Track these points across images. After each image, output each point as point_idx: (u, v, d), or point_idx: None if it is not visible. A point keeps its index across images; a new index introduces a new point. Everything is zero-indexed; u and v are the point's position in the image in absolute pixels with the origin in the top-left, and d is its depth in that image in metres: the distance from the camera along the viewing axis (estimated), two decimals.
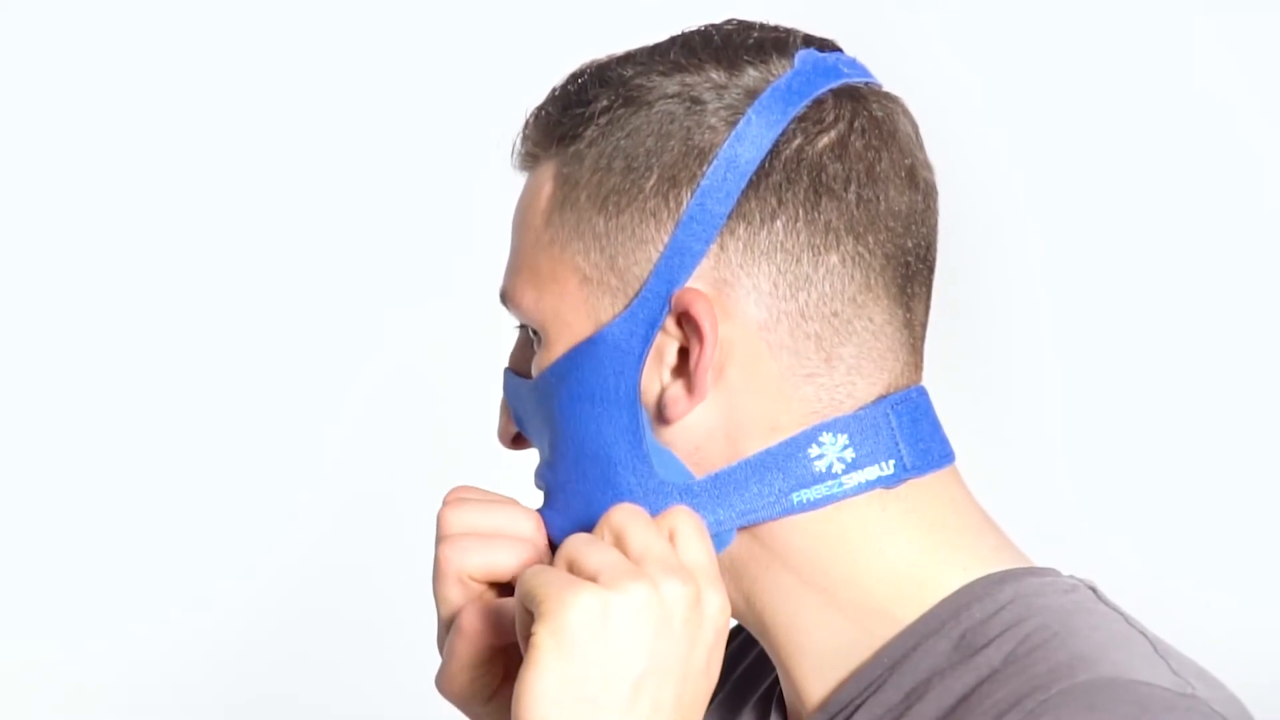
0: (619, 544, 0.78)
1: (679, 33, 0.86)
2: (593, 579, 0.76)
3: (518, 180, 0.89)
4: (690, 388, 0.81)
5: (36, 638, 2.12)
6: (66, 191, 2.15)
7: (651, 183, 0.82)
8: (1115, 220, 2.18)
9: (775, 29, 0.86)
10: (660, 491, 0.82)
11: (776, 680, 0.92)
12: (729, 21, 0.86)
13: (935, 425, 0.85)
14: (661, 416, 0.82)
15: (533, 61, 2.11)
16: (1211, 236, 2.19)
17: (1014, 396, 2.20)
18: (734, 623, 0.98)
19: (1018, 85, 2.20)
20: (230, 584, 2.12)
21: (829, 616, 0.83)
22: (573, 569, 0.77)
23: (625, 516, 0.79)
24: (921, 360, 0.86)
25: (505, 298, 0.87)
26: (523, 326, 0.89)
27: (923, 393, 0.85)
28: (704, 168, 0.81)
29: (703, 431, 0.82)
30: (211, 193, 2.16)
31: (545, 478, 0.87)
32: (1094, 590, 0.83)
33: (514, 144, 0.88)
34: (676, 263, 0.81)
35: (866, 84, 0.85)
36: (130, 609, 2.12)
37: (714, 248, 0.81)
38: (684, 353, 0.82)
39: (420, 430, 2.11)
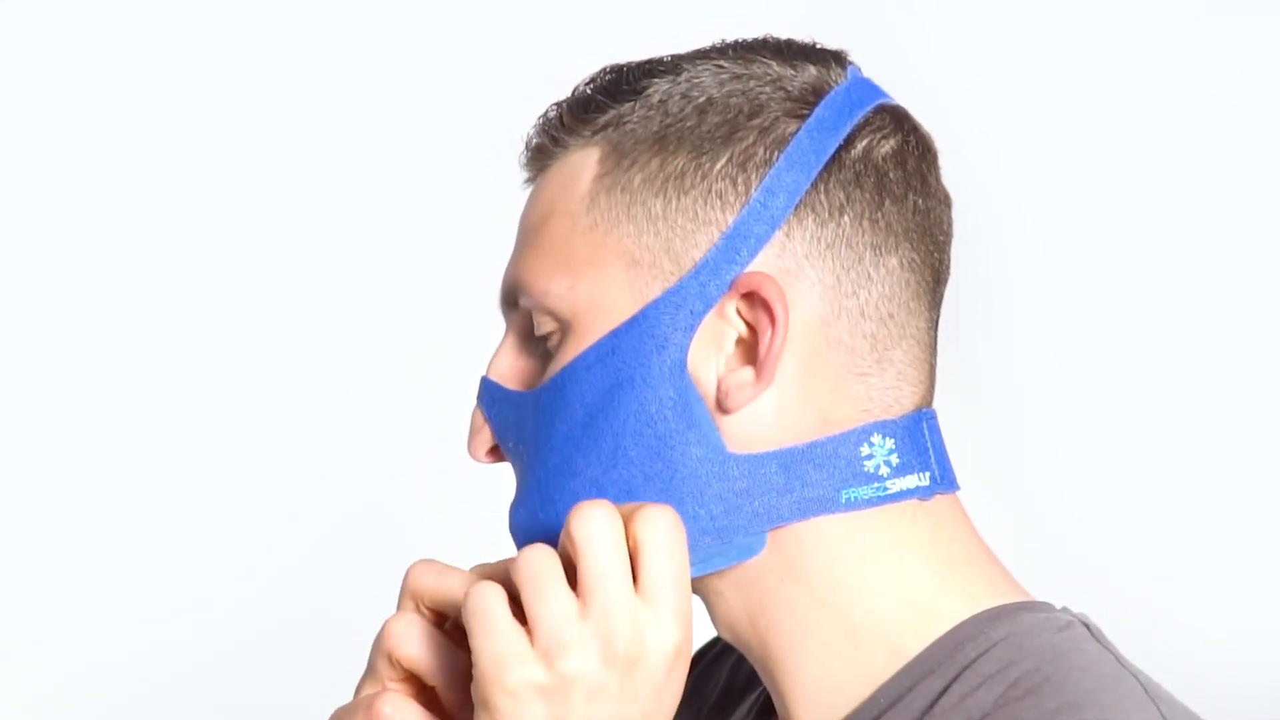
0: (576, 563, 0.76)
1: (720, 40, 0.87)
2: (530, 638, 0.75)
3: (517, 183, 0.88)
4: (759, 374, 0.80)
5: (29, 639, 2.12)
6: (66, 192, 2.15)
7: (720, 165, 0.81)
8: (1116, 228, 2.18)
9: (818, 45, 0.87)
10: (726, 462, 0.81)
11: (757, 700, 0.91)
12: (770, 34, 0.87)
13: (946, 451, 0.85)
14: (722, 406, 0.81)
15: (533, 65, 2.12)
16: (1212, 250, 2.19)
17: (1011, 396, 2.20)
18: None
19: (1019, 88, 2.20)
20: (227, 585, 2.12)
21: (834, 640, 0.82)
22: (522, 610, 0.76)
23: (585, 533, 0.76)
24: (934, 385, 0.87)
25: (520, 290, 0.85)
26: (517, 329, 0.86)
27: (937, 416, 0.86)
28: (777, 154, 0.81)
29: (761, 422, 0.81)
30: (211, 197, 2.16)
31: (554, 487, 0.83)
32: (1088, 626, 0.83)
33: (529, 137, 0.87)
34: (739, 245, 0.81)
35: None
36: (125, 610, 2.12)
37: (780, 236, 0.81)
38: (740, 343, 0.81)
39: (420, 435, 2.11)
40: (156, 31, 2.15)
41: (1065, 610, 0.84)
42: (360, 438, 2.15)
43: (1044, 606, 0.84)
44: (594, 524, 0.76)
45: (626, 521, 0.77)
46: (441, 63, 2.17)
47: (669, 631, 0.76)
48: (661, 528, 0.76)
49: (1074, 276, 2.19)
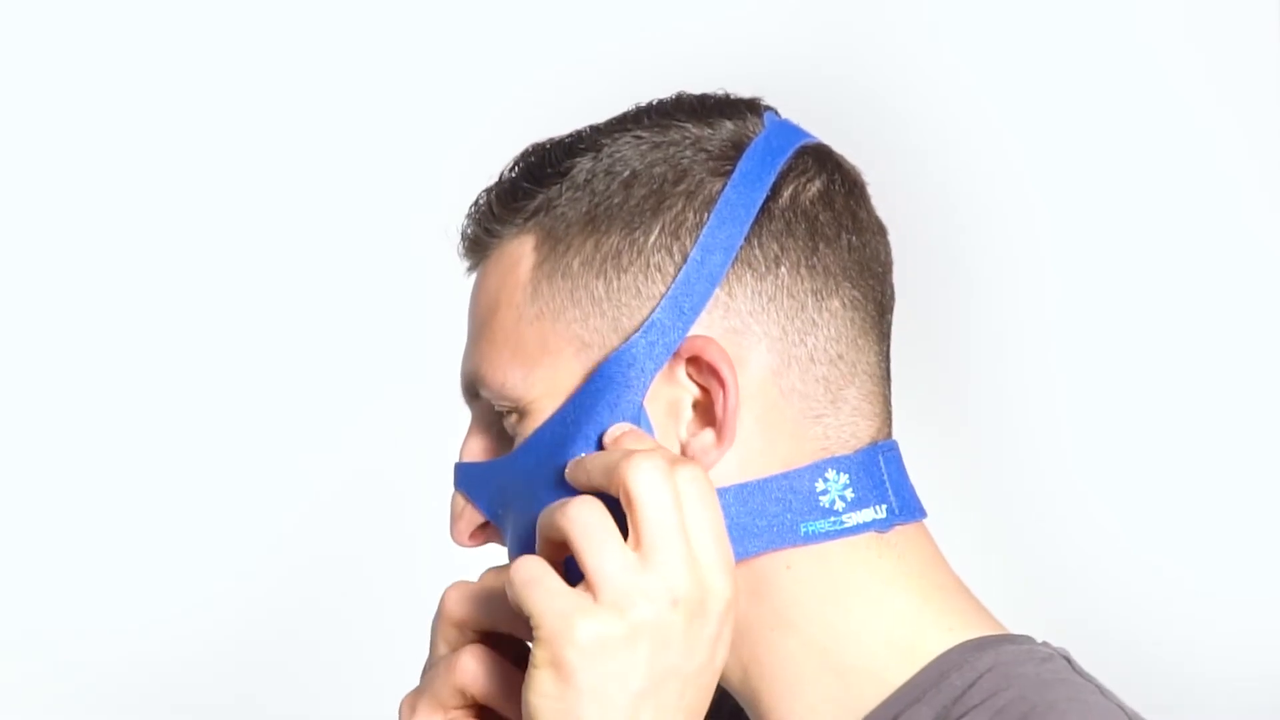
0: (633, 515, 0.77)
1: (632, 107, 0.87)
2: (592, 592, 0.76)
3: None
4: (719, 436, 0.82)
5: (30, 640, 2.12)
6: (68, 195, 2.15)
7: (654, 238, 0.82)
8: (1114, 239, 2.19)
9: (732, 97, 0.88)
10: None
11: None
12: (683, 93, 0.88)
13: (909, 479, 0.87)
14: None
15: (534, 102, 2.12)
16: (1207, 269, 2.19)
17: (1001, 410, 2.21)
18: None
19: (1019, 90, 2.20)
20: (229, 587, 2.12)
21: (824, 680, 0.83)
22: (576, 563, 0.77)
23: (644, 486, 0.77)
24: (892, 414, 0.88)
25: (477, 383, 0.86)
26: (482, 416, 0.88)
27: (898, 446, 0.86)
28: (707, 215, 0.82)
29: (726, 475, 0.82)
30: (217, 202, 2.15)
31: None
32: (1068, 660, 0.84)
33: (463, 227, 0.88)
34: (682, 303, 0.82)
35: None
36: (126, 612, 2.12)
37: (723, 296, 0.82)
38: (698, 406, 0.83)
39: (424, 439, 2.11)
40: (162, 38, 2.16)
41: (1046, 644, 0.85)
42: (363, 440, 2.15)
43: (1024, 639, 0.85)
44: (652, 477, 0.77)
45: None
46: (445, 86, 2.18)
47: (723, 583, 0.78)
48: (700, 486, 0.78)
49: (1069, 287, 2.19)
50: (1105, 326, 2.19)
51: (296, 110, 2.16)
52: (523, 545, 0.85)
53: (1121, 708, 0.81)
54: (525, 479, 0.84)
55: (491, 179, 0.87)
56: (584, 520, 0.77)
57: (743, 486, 0.82)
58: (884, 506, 0.84)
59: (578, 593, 0.76)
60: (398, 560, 2.12)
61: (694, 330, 0.82)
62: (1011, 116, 2.19)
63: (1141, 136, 2.20)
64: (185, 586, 2.11)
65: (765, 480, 0.82)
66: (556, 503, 0.78)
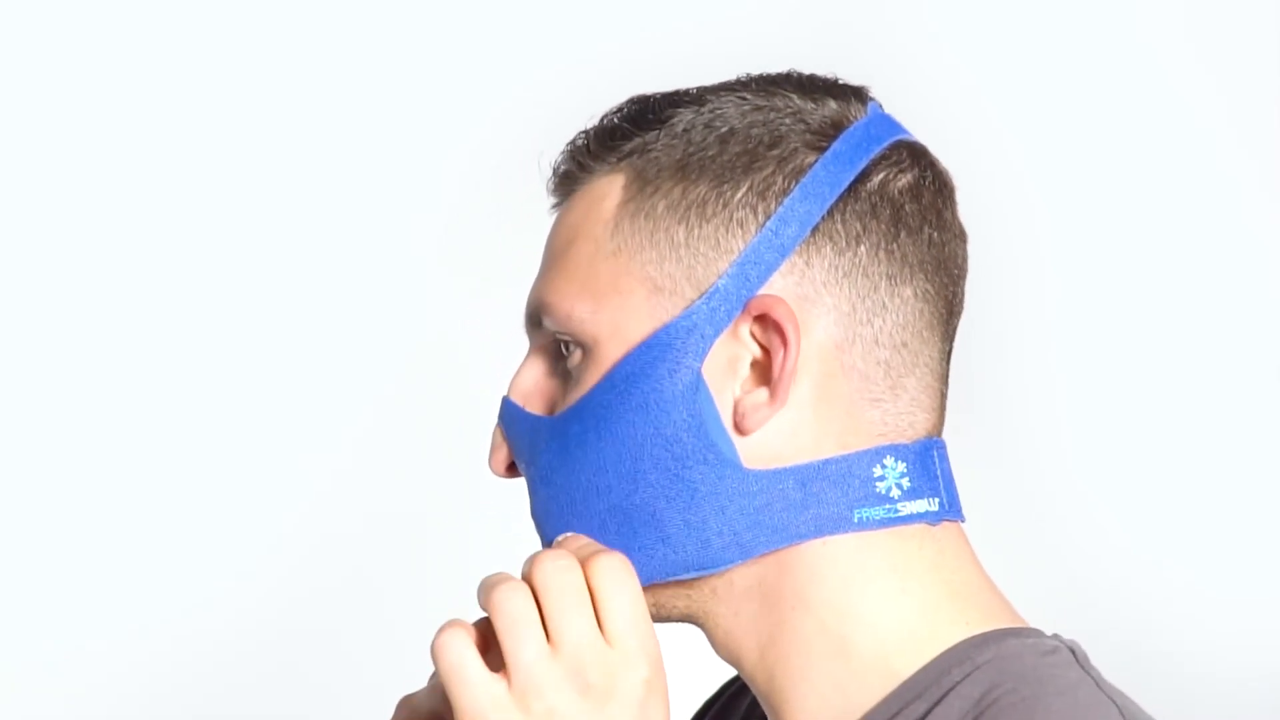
0: (542, 610, 0.79)
1: (745, 74, 0.89)
2: (508, 680, 0.78)
3: (536, 199, 0.90)
4: (773, 395, 0.82)
5: (34, 642, 2.12)
6: (68, 195, 2.14)
7: (740, 194, 0.83)
8: (1125, 242, 2.18)
9: (840, 81, 0.89)
10: (745, 478, 0.83)
11: None
12: (795, 70, 0.89)
13: (954, 482, 0.87)
14: (739, 428, 0.83)
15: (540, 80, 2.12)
16: (1221, 274, 2.19)
17: (1018, 418, 2.21)
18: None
19: (1020, 90, 2.20)
20: (231, 588, 2.11)
21: (835, 668, 0.83)
22: (503, 659, 0.79)
23: (546, 584, 0.79)
24: (945, 417, 0.88)
25: (544, 311, 0.86)
26: (541, 346, 0.88)
27: (946, 447, 0.87)
28: (794, 184, 0.83)
29: (777, 443, 0.83)
30: (221, 198, 2.15)
31: (580, 511, 0.86)
32: (1074, 652, 0.84)
33: (556, 164, 0.89)
34: (749, 271, 0.82)
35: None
36: (117, 614, 2.11)
37: (800, 263, 0.83)
38: (756, 366, 0.83)
39: (430, 442, 2.11)
40: (162, 39, 2.15)
41: (1055, 636, 0.85)
42: (363, 440, 2.15)
43: (1032, 632, 0.84)
44: (553, 575, 0.79)
45: (583, 566, 0.80)
46: (448, 72, 2.17)
47: (636, 666, 0.79)
48: (613, 576, 0.80)
49: (1069, 287, 2.19)
50: (1105, 326, 2.19)
51: (296, 111, 2.16)
52: (542, 501, 0.86)
53: (1114, 700, 0.80)
54: (568, 442, 0.85)
55: (591, 120, 0.89)
56: (506, 611, 0.79)
57: (801, 468, 0.82)
58: (937, 500, 0.84)
59: (492, 684, 0.78)
60: (398, 560, 2.12)
61: (763, 290, 0.83)
62: (1011, 116, 2.19)
63: (1141, 136, 2.20)
64: (185, 586, 2.11)
65: (824, 462, 0.83)
66: (491, 582, 0.80)
